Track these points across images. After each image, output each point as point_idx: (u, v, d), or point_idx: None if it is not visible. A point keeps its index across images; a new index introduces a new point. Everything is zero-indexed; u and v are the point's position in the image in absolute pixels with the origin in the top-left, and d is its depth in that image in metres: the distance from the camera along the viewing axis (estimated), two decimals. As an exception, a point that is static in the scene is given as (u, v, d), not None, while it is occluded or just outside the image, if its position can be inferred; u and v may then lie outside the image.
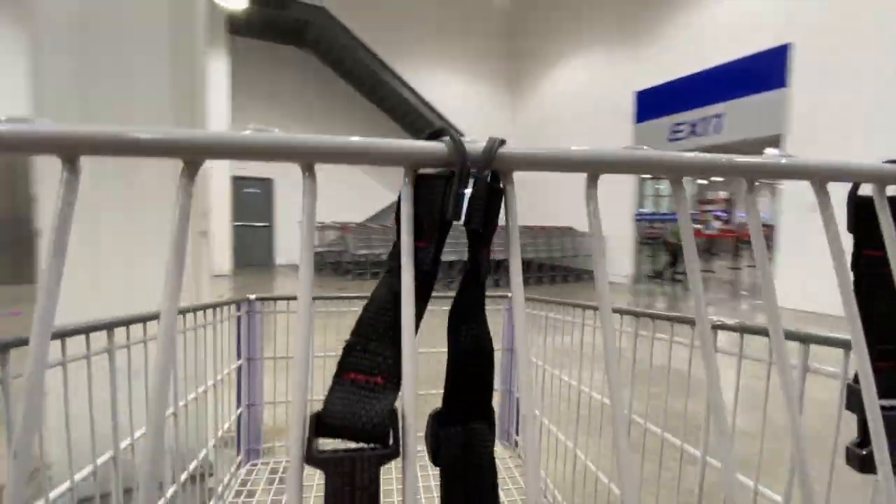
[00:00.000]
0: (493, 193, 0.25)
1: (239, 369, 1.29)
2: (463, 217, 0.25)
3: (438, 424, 0.26)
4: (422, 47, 10.14)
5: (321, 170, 0.24)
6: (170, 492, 0.87)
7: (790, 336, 0.57)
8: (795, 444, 0.29)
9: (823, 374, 0.52)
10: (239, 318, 1.29)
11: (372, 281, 7.43)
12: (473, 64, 10.65)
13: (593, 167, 0.27)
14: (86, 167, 0.23)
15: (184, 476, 0.93)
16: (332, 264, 8.65)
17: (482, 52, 10.68)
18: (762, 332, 0.60)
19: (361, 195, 9.98)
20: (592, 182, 0.28)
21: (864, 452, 0.32)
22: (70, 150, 0.22)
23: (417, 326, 0.25)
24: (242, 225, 9.02)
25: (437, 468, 0.25)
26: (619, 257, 7.69)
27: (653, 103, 7.33)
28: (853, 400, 0.32)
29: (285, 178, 9.55)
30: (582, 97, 8.86)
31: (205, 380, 1.06)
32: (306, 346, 0.22)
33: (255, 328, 1.32)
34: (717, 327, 0.68)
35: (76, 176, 0.22)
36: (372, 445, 0.22)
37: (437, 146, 0.25)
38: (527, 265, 7.48)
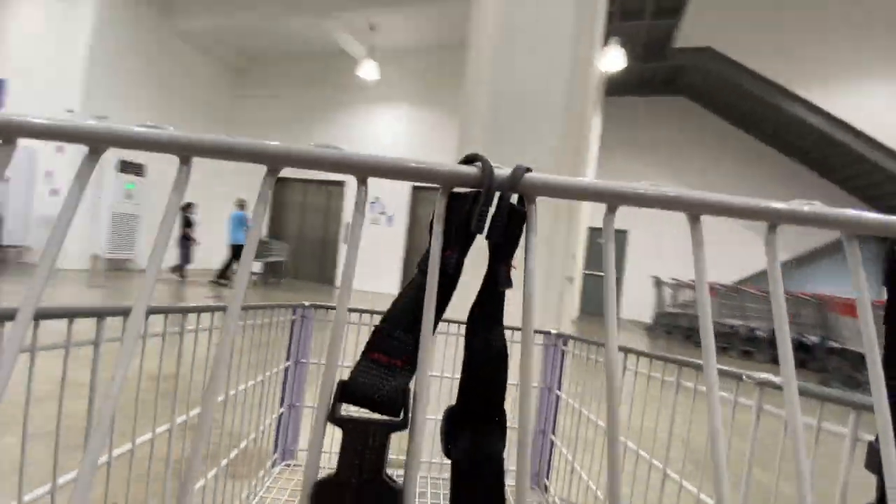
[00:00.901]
0: (514, 214, 0.29)
1: (286, 370, 1.37)
2: (486, 231, 0.29)
3: (451, 423, 0.29)
4: (839, 54, 8.31)
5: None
6: (211, 473, 0.94)
7: (837, 401, 0.53)
8: None
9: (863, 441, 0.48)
10: (293, 322, 1.38)
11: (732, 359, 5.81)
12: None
13: (610, 199, 0.30)
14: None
15: (224, 462, 1.00)
16: (685, 329, 7.11)
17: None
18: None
19: (738, 250, 8.48)
20: (610, 212, 0.31)
21: None
22: (184, 152, 0.29)
23: (437, 322, 0.28)
24: (592, 273, 9.21)
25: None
26: None
27: None
28: (873, 460, 0.31)
29: (639, 229, 9.35)
30: None
31: (255, 375, 1.15)
32: (341, 326, 0.27)
33: (308, 333, 1.40)
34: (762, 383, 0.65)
35: (188, 171, 0.29)
36: (386, 418, 0.26)
37: (471, 169, 0.29)
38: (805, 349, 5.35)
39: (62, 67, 7.46)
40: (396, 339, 0.28)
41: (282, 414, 1.38)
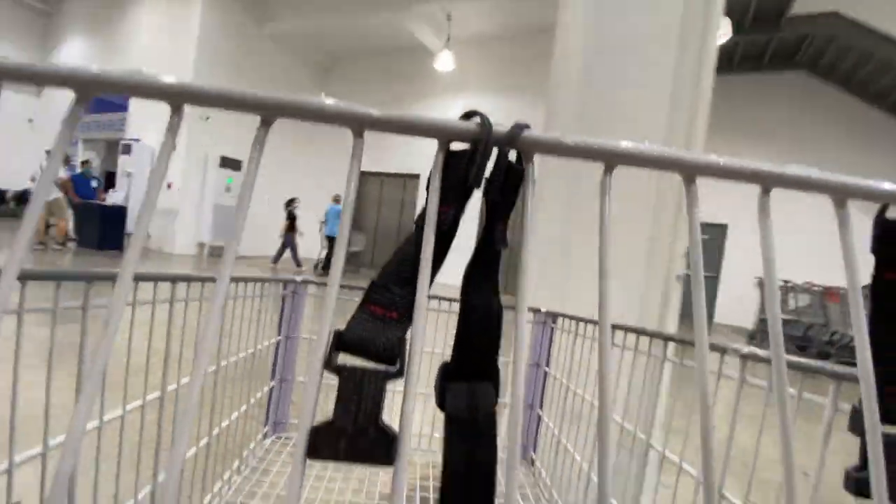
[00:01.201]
0: (512, 171, 0.29)
1: (277, 344, 1.37)
2: (483, 188, 0.29)
3: (445, 378, 0.29)
4: None
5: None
6: (203, 441, 0.95)
7: (818, 371, 0.55)
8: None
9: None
10: (284, 297, 1.38)
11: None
12: None
13: (608, 158, 0.30)
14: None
15: (216, 431, 1.01)
16: (797, 339, 6.02)
17: None
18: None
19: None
20: (608, 172, 0.31)
21: (862, 476, 0.32)
22: (177, 99, 0.28)
23: (433, 277, 0.28)
24: (687, 273, 8.40)
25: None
26: None
27: None
28: (856, 423, 0.32)
29: (742, 223, 7.99)
30: None
31: (246, 347, 1.15)
32: (336, 278, 0.26)
33: (299, 308, 1.40)
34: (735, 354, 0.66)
35: (180, 120, 0.28)
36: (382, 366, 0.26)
37: (468, 124, 0.28)
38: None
39: (172, 71, 8.50)
40: (391, 292, 0.28)
41: (273, 387, 1.38)
